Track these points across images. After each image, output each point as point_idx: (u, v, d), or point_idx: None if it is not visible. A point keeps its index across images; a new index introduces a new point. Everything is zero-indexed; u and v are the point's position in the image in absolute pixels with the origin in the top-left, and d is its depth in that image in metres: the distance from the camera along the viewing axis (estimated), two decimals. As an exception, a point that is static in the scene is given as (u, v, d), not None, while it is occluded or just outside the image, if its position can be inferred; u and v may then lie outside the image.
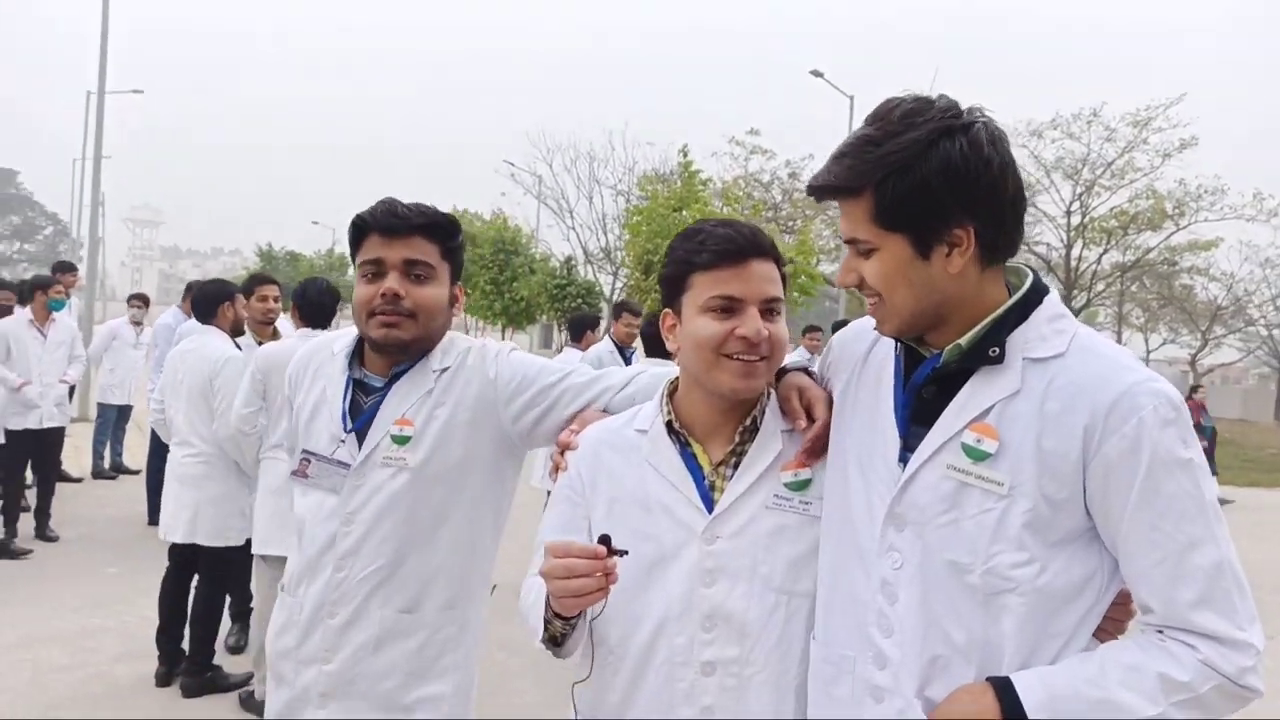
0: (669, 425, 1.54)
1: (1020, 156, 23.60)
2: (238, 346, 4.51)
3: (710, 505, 1.48)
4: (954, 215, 1.24)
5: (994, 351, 1.27)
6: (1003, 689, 1.21)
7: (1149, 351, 37.22)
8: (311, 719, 1.85)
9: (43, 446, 6.72)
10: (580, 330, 7.27)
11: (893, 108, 1.26)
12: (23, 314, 6.92)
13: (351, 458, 1.85)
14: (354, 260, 1.88)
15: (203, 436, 4.33)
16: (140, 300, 9.40)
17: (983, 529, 1.24)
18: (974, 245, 1.25)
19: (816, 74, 22.27)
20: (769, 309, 1.47)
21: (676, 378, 1.59)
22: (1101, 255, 29.34)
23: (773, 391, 1.56)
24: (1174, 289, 30.99)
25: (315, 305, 4.23)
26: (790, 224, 26.71)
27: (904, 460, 1.32)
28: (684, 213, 14.75)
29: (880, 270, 1.28)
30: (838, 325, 8.53)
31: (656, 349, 5.56)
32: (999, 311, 1.29)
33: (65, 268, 9.70)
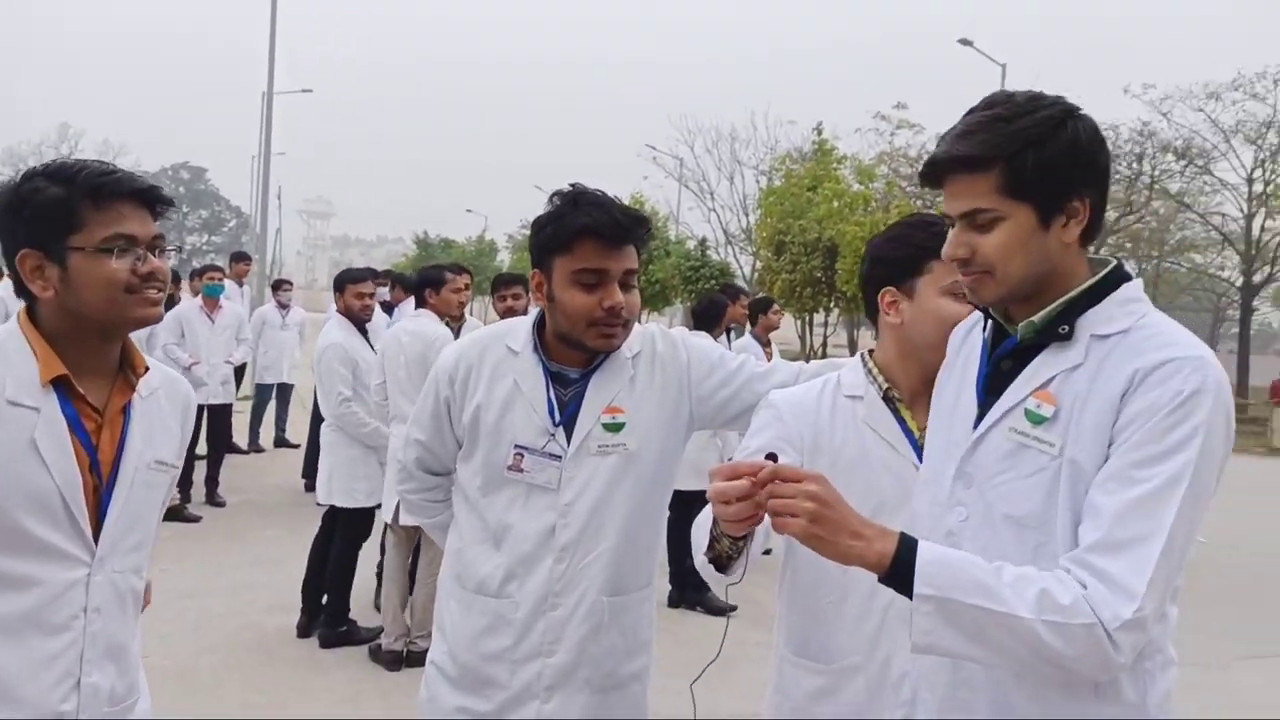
0: (885, 393, 1.73)
1: (1195, 120, 21.73)
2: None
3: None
4: (1076, 188, 1.34)
5: (1064, 329, 1.36)
6: (906, 542, 1.28)
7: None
8: (536, 718, 1.86)
9: (212, 421, 7.38)
10: (714, 319, 5.83)
11: (1012, 95, 1.38)
12: (195, 300, 7.65)
13: (562, 449, 1.89)
14: (547, 254, 1.86)
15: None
16: (286, 284, 10.28)
17: (1036, 487, 1.34)
18: (1088, 217, 1.36)
19: (965, 42, 21.37)
20: None
21: (870, 350, 1.82)
22: (1290, 225, 26.84)
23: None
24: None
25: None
26: (935, 199, 25.63)
27: (977, 426, 1.43)
28: (817, 191, 14.60)
29: (1002, 240, 1.35)
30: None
31: (700, 327, 5.56)
32: (1074, 292, 1.38)
33: (240, 257, 10.65)
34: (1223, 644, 5.33)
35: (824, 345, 19.05)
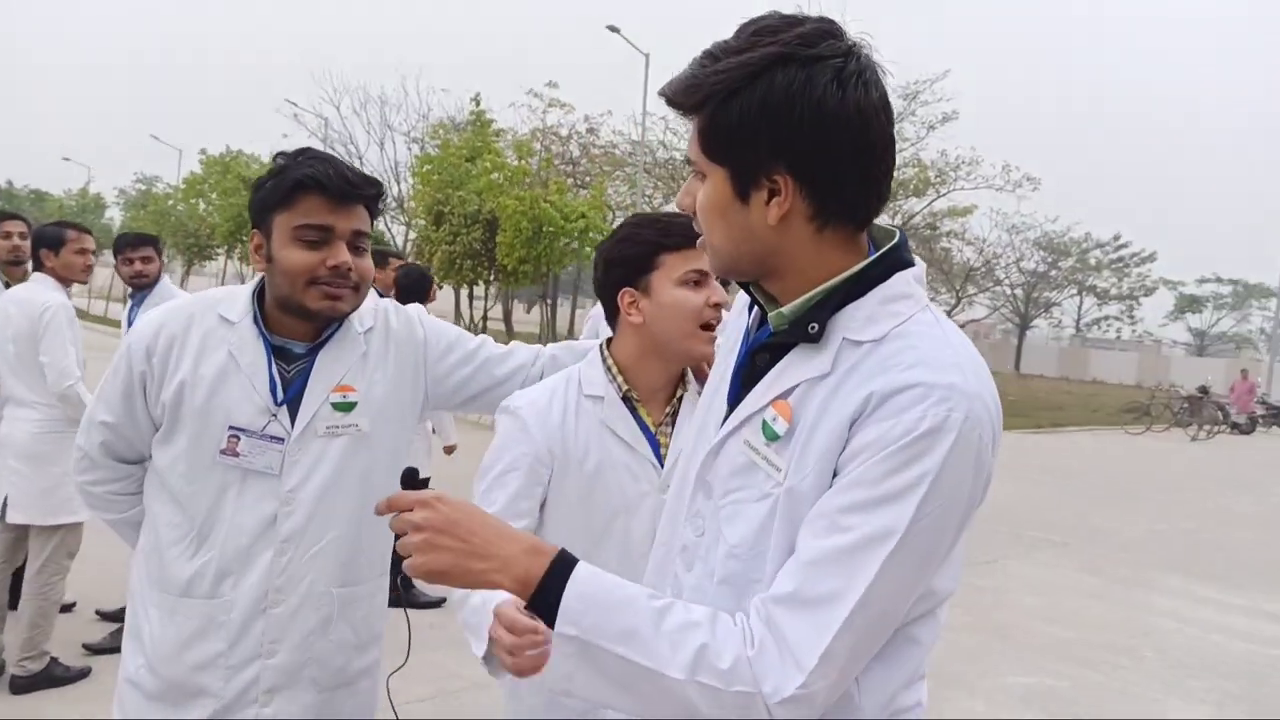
0: (625, 393, 1.71)
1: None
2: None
3: (662, 461, 1.69)
4: (769, 159, 1.06)
5: (812, 328, 1.11)
6: (561, 565, 1.07)
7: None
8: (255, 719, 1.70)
9: None
10: (422, 291, 5.97)
11: (758, 20, 1.08)
12: None
13: (285, 431, 1.70)
14: (267, 211, 1.68)
15: None
16: None
17: (755, 514, 1.12)
18: (795, 198, 1.07)
19: (613, 29, 22.30)
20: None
21: (608, 341, 1.76)
22: (874, 219, 31.52)
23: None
24: (934, 251, 33.82)
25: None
26: (586, 179, 26.75)
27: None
28: (476, 163, 14.45)
29: (705, 201, 1.13)
30: None
31: (410, 299, 5.45)
32: (827, 285, 1.11)
33: None
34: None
35: (484, 319, 19.02)
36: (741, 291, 1.34)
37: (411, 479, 1.18)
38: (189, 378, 1.69)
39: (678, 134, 29.45)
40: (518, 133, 17.42)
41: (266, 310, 1.74)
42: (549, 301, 12.95)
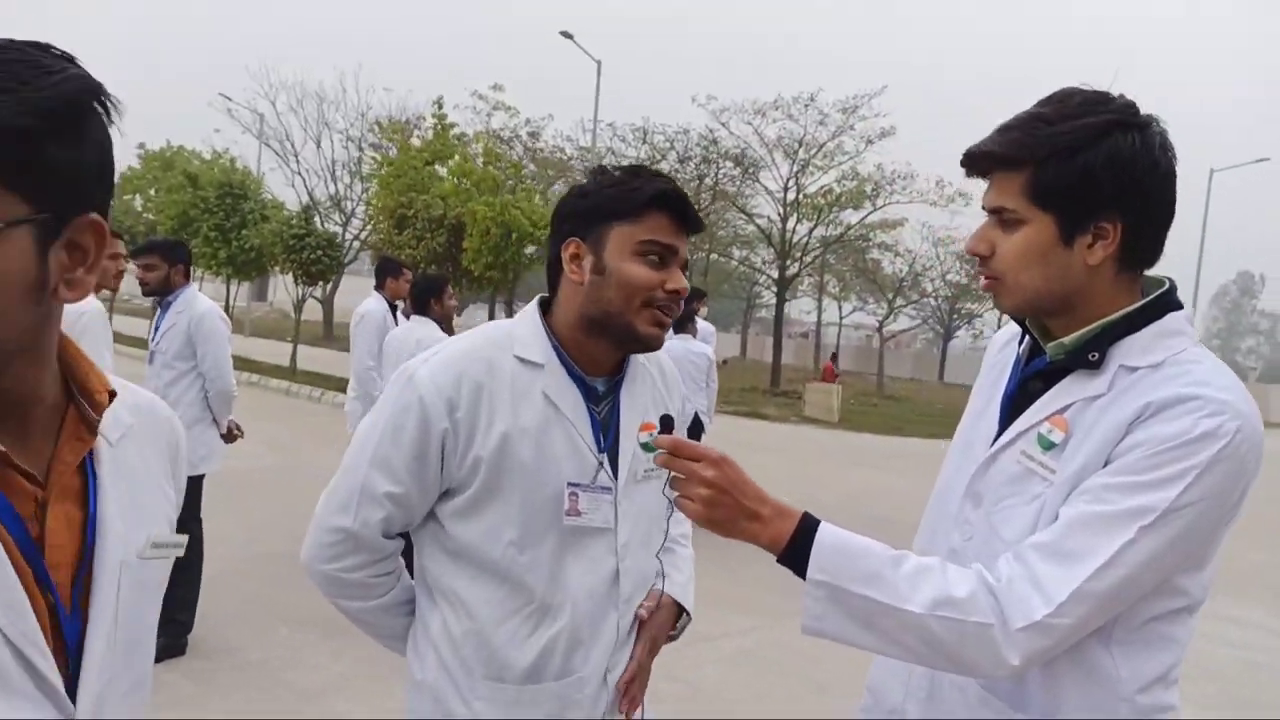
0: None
1: (745, 133, 24.70)
2: None
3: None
4: (1107, 207, 1.24)
5: (1093, 356, 1.28)
6: (807, 524, 1.26)
7: (841, 318, 41.79)
8: None
9: None
10: (426, 299, 5.79)
11: (1071, 94, 1.28)
12: None
13: (610, 480, 1.56)
14: (601, 219, 1.52)
15: None
16: None
17: (1030, 515, 1.29)
18: (1118, 242, 1.26)
19: (566, 35, 22.33)
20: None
21: (540, 304, 1.61)
22: (812, 230, 32.14)
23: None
24: (866, 262, 34.69)
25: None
26: (530, 184, 26.72)
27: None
28: (438, 166, 14.36)
29: (1020, 245, 1.28)
30: None
31: (422, 308, 5.48)
32: (1111, 318, 1.29)
33: None
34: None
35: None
36: (1004, 330, 1.57)
37: (669, 424, 1.42)
38: (511, 430, 1.48)
39: (625, 140, 29.69)
40: (476, 135, 17.32)
41: (564, 342, 1.57)
42: (512, 308, 12.91)
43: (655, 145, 29.69)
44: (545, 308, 1.61)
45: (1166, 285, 1.34)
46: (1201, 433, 1.16)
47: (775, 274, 32.78)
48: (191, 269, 4.73)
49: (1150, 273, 1.35)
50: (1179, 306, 1.32)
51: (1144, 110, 1.28)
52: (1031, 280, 1.29)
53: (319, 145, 30.78)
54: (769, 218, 32.10)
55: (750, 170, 30.42)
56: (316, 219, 25.21)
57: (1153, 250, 1.30)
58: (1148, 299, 1.31)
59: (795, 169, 30.57)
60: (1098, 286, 1.29)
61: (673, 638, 1.71)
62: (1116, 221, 1.25)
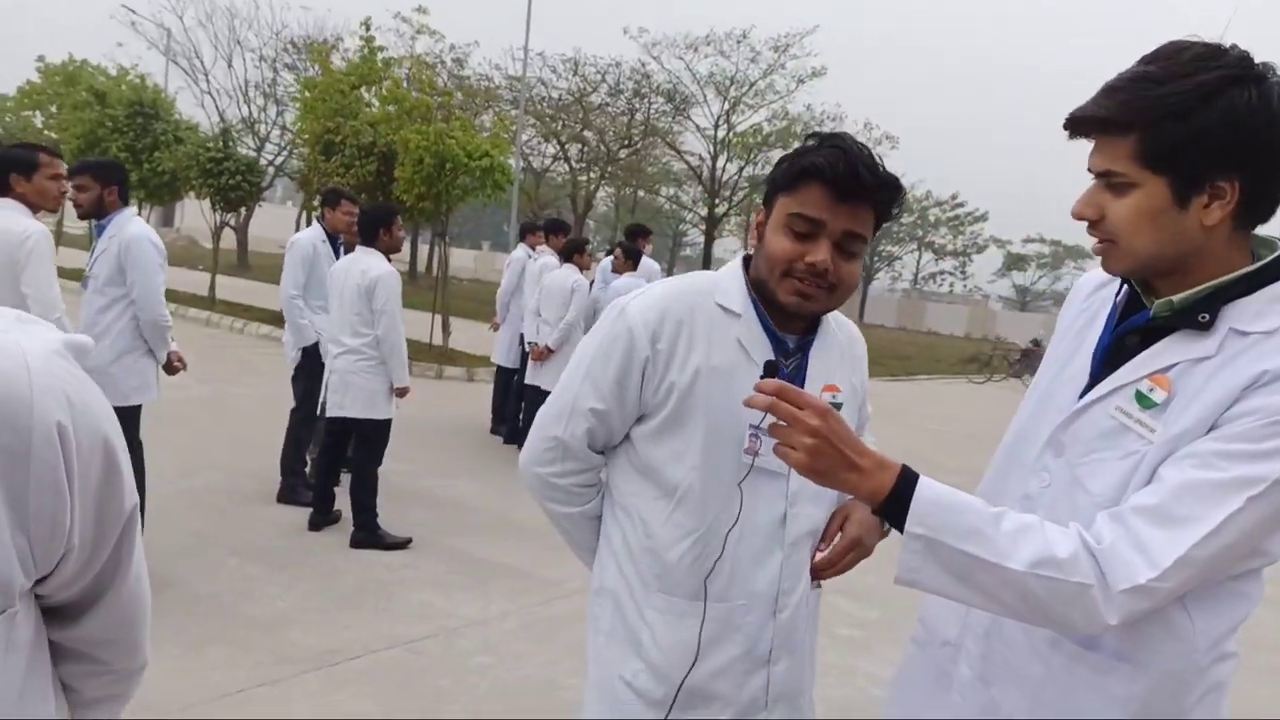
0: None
1: (677, 68, 24.60)
2: None
3: None
4: (1224, 167, 1.19)
5: (1203, 318, 1.25)
6: (906, 477, 1.26)
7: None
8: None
9: None
10: (376, 229, 5.43)
11: (1181, 49, 1.21)
12: None
13: None
14: (773, 191, 1.61)
15: None
16: None
17: (1123, 469, 1.27)
18: (1236, 201, 1.21)
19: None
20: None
21: (744, 260, 1.71)
22: (741, 169, 32.18)
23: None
24: (794, 203, 34.93)
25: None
26: (457, 113, 25.96)
27: (1083, 396, 1.36)
28: (364, 91, 13.79)
29: (1131, 210, 1.24)
30: (527, 227, 8.50)
31: (371, 238, 5.33)
32: (1226, 278, 1.26)
33: None
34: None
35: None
36: (1090, 275, 1.52)
37: (773, 369, 1.39)
38: (703, 367, 1.60)
39: (556, 71, 29.04)
40: (401, 59, 16.65)
41: (761, 299, 1.65)
42: (445, 240, 12.64)
43: (586, 77, 29.17)
44: (749, 264, 1.70)
45: (1279, 249, 1.29)
46: None
47: (704, 212, 32.83)
48: (128, 190, 4.49)
49: (1259, 232, 1.30)
50: None
51: (1261, 60, 1.20)
52: (1145, 244, 1.25)
53: (230, 64, 29.38)
54: (700, 155, 31.99)
55: (682, 106, 30.19)
56: (241, 141, 24.24)
57: (1271, 208, 1.26)
58: (1263, 261, 1.27)
59: (726, 107, 30.53)
60: (1213, 247, 1.25)
61: (885, 534, 1.73)
62: (1234, 180, 1.20)
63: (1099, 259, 1.33)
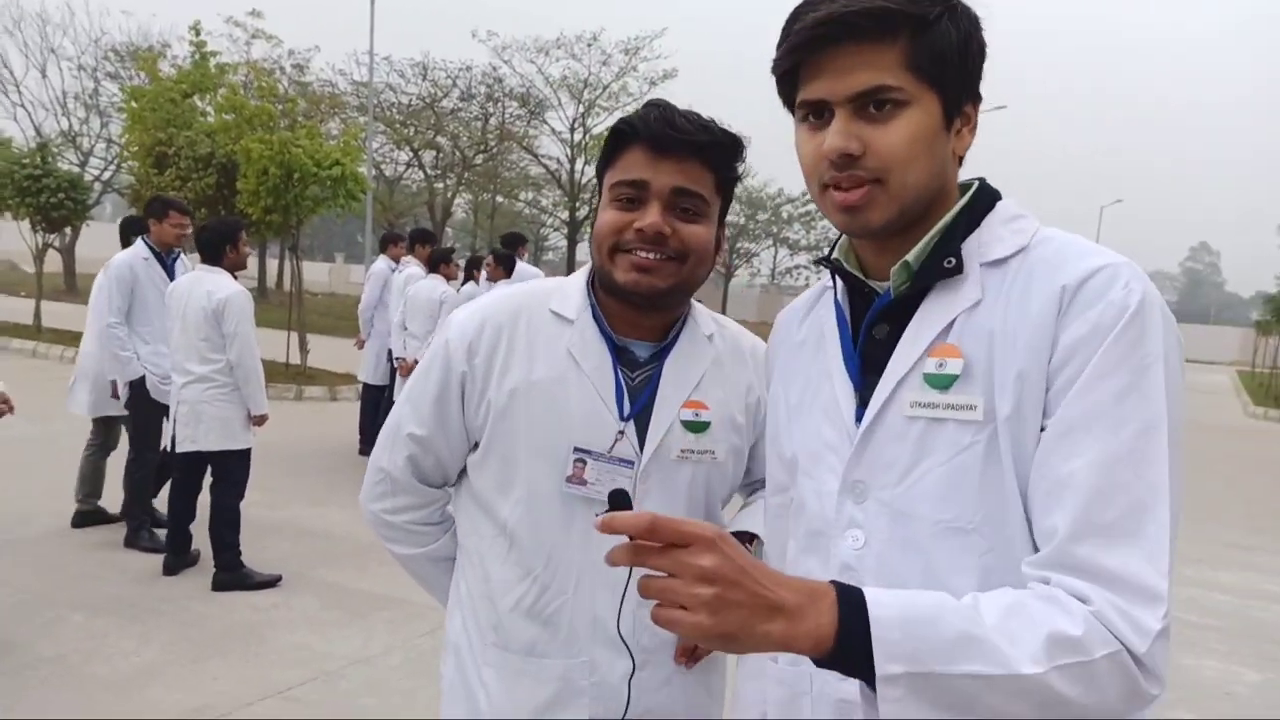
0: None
1: (529, 72, 24.53)
2: None
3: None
4: (973, 85, 1.04)
5: (949, 262, 1.03)
6: (847, 602, 0.87)
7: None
8: None
9: None
10: (221, 246, 5.07)
11: None
12: None
13: (635, 454, 1.42)
14: (601, 178, 1.44)
15: None
16: None
17: (963, 473, 0.99)
18: (972, 126, 1.07)
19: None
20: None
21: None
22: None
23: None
24: (652, 205, 35.34)
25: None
26: (301, 120, 24.96)
27: (861, 418, 1.07)
28: (198, 99, 12.96)
29: (907, 133, 1.00)
30: (388, 238, 8.23)
31: (215, 256, 4.91)
32: (948, 217, 1.07)
33: None
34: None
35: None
36: (787, 310, 1.29)
37: (622, 501, 0.90)
38: (522, 383, 1.42)
39: (405, 76, 28.30)
40: (236, 66, 15.76)
41: (603, 304, 1.47)
42: (297, 254, 12.02)
43: (437, 82, 28.58)
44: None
45: (978, 180, 1.13)
46: (1139, 303, 0.94)
47: (565, 216, 32.72)
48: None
49: None
50: (999, 194, 1.11)
51: None
52: (919, 177, 1.02)
53: (44, 74, 27.21)
54: (557, 159, 31.87)
55: (536, 110, 30.00)
56: (61, 156, 22.39)
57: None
58: (975, 189, 1.10)
59: (581, 110, 30.52)
60: (953, 183, 1.08)
61: None
62: (976, 102, 1.05)
63: (848, 214, 1.03)
